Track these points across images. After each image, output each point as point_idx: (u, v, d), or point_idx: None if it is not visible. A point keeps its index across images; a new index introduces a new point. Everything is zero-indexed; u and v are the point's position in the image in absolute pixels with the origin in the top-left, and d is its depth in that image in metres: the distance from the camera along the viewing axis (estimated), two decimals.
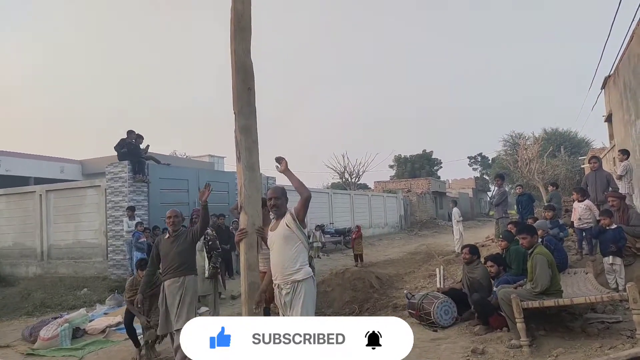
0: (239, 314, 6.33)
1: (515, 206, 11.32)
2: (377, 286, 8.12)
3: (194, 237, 5.03)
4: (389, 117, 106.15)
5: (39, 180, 18.56)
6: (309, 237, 15.23)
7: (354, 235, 13.41)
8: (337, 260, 14.37)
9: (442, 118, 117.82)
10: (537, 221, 7.54)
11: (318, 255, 15.49)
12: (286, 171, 4.02)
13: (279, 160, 4.06)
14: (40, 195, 11.76)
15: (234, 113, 4.46)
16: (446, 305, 5.70)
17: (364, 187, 42.45)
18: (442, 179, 48.23)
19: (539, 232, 6.32)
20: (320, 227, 18.59)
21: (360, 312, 7.06)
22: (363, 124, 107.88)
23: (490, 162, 56.41)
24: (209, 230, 6.97)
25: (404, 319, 6.12)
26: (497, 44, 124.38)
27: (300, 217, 3.88)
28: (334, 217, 21.06)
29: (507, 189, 14.54)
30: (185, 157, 33.02)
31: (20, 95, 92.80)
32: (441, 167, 53.37)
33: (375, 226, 24.77)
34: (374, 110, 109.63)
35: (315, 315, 6.56)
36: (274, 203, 4.07)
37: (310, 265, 4.10)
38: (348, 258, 14.84)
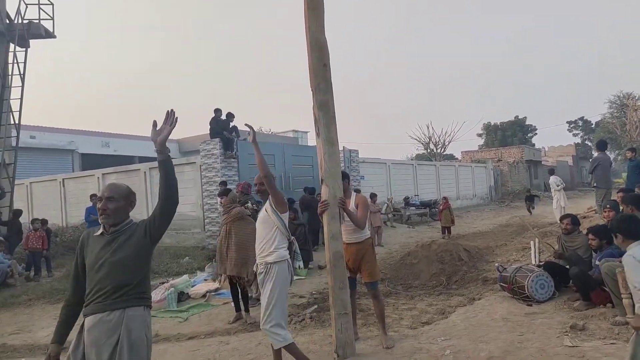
0: (327, 283, 6.54)
1: (626, 173, 10.26)
2: (466, 259, 7.89)
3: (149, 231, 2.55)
4: (476, 82, 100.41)
5: (142, 159, 20.30)
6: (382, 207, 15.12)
7: (441, 207, 13.08)
8: (424, 232, 14.15)
9: (536, 80, 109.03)
10: None
11: (392, 225, 15.36)
12: (254, 142, 4.10)
13: (250, 127, 4.14)
14: (145, 172, 12.88)
15: (311, 90, 4.53)
16: (542, 279, 5.40)
17: (451, 157, 40.98)
18: (537, 146, 45.03)
19: None
20: (405, 200, 18.42)
21: (448, 285, 6.94)
22: (449, 91, 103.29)
23: (593, 126, 51.46)
24: (248, 204, 6.46)
25: (494, 293, 5.93)
26: None
27: (274, 201, 3.97)
28: (418, 189, 20.65)
29: (611, 155, 13.16)
30: (270, 132, 34.09)
31: (129, 83, 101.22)
32: (536, 134, 49.92)
33: (463, 198, 23.91)
34: (460, 76, 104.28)
35: (394, 288, 6.61)
36: (258, 189, 4.24)
37: (293, 250, 4.16)
38: (434, 230, 14.55)
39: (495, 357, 3.91)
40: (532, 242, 8.22)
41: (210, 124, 11.66)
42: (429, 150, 37.83)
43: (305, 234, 8.86)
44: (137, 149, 23.83)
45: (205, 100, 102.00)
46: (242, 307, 5.96)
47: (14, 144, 11.96)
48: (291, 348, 3.90)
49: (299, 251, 4.40)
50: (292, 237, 4.22)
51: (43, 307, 7.44)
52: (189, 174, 12.18)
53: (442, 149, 37.37)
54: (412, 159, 36.27)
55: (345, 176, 4.68)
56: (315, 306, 6.14)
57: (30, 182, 15.90)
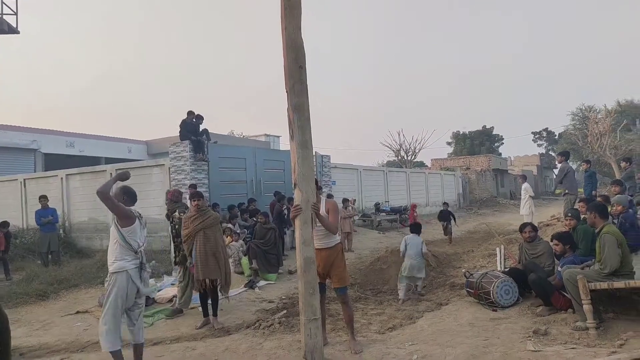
0: (296, 288, 6.50)
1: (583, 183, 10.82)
2: (434, 264, 8.02)
3: None
4: (445, 92, 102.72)
5: (108, 160, 19.78)
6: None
7: (411, 213, 13.26)
8: (393, 238, 14.28)
9: (503, 90, 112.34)
10: (617, 196, 7.05)
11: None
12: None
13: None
14: (111, 173, 12.52)
15: (286, 91, 4.49)
16: (507, 285, 5.53)
17: (421, 164, 41.65)
18: (503, 156, 46.27)
19: (619, 208, 5.98)
20: (376, 206, 18.59)
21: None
22: (418, 101, 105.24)
23: (556, 137, 53.30)
24: (176, 214, 6.64)
25: (461, 298, 6.04)
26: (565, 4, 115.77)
27: (115, 216, 4.33)
28: (389, 195, 20.87)
29: (573, 165, 13.78)
30: (242, 136, 33.84)
31: (97, 83, 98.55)
32: (503, 143, 51.24)
33: (432, 204, 24.31)
34: (430, 87, 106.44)
35: (363, 293, 6.70)
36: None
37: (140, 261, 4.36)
38: (404, 235, 14.71)
39: None
40: (497, 249, 8.44)
41: (180, 126, 11.48)
42: (399, 157, 38.31)
43: (275, 238, 8.81)
44: (103, 149, 23.19)
45: (175, 102, 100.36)
46: (210, 312, 5.87)
47: None
48: (116, 354, 4.24)
49: (145, 262, 4.50)
50: (140, 249, 4.40)
51: None
52: (157, 176, 11.94)
53: (413, 157, 37.91)
54: (383, 166, 36.66)
55: (315, 181, 4.68)
56: (285, 311, 6.11)
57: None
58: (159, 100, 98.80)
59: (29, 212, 13.73)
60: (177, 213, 6.65)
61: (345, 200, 12.83)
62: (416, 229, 7.25)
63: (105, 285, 4.38)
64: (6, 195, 14.91)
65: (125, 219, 4.30)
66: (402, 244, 6.94)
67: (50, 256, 10.59)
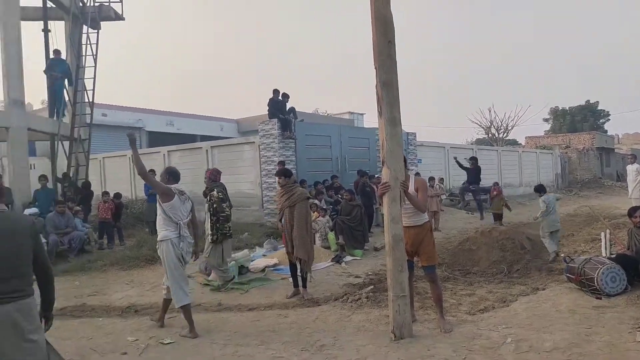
0: (383, 265, 6.55)
1: None
2: (529, 247, 7.60)
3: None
4: (543, 64, 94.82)
5: (203, 138, 21.03)
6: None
7: (494, 193, 12.66)
8: (483, 219, 13.71)
9: (609, 62, 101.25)
10: None
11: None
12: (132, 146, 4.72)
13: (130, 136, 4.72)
14: (207, 150, 13.36)
15: (375, 68, 4.44)
16: (613, 272, 5.11)
17: (514, 142, 39.21)
18: (609, 133, 42.04)
19: None
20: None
21: (509, 273, 6.73)
22: (513, 74, 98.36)
23: None
24: (214, 192, 6.63)
25: (559, 284, 5.70)
26: None
27: (157, 192, 4.99)
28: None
29: None
30: (326, 114, 34.11)
31: (192, 65, 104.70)
32: (609, 119, 46.40)
33: (526, 185, 22.89)
34: (527, 58, 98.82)
35: (451, 273, 6.59)
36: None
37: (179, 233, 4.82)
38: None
39: (560, 348, 3.78)
40: (602, 234, 7.79)
41: (268, 104, 11.86)
42: (490, 134, 36.37)
43: (361, 215, 8.88)
44: (198, 127, 24.69)
45: (263, 81, 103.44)
46: (300, 284, 6.12)
47: (88, 121, 12.77)
48: (184, 311, 4.79)
49: (185, 234, 4.90)
50: (181, 222, 4.86)
51: (116, 273, 8.00)
52: (248, 153, 12.50)
53: (505, 134, 35.81)
54: (472, 144, 35.07)
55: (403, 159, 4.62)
56: (372, 287, 6.18)
57: (103, 157, 16.95)
58: (248, 80, 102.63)
59: (137, 184, 15.10)
60: (215, 192, 6.69)
61: (431, 179, 12.51)
62: (541, 188, 8.03)
63: (158, 252, 4.96)
64: (117, 170, 16.51)
65: (164, 195, 4.82)
66: (541, 204, 7.58)
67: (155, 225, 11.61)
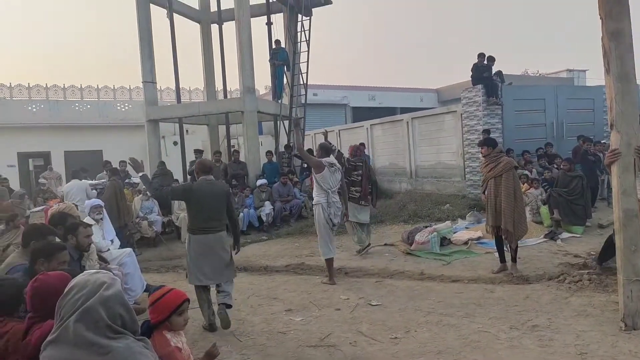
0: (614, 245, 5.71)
1: None
2: None
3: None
4: None
5: (403, 110, 21.24)
6: None
7: None
8: None
9: None
10: None
11: None
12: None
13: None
14: (407, 122, 13.48)
15: (600, 17, 3.84)
16: None
17: None
18: None
19: None
20: None
21: None
22: None
23: None
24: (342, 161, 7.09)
25: None
26: None
27: (311, 165, 6.13)
28: None
29: None
30: (538, 74, 30.53)
31: (389, 37, 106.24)
32: None
33: None
34: None
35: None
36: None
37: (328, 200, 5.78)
38: None
39: None
40: None
41: (472, 70, 11.24)
42: None
43: (582, 187, 7.82)
44: (398, 100, 25.04)
45: (463, 48, 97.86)
46: (508, 258, 5.81)
47: (303, 101, 14.25)
48: (327, 262, 5.86)
49: (334, 200, 5.79)
50: (330, 190, 5.74)
51: None
52: (449, 122, 12.16)
53: None
54: None
55: None
56: (596, 268, 5.47)
57: (314, 133, 18.73)
58: (445, 47, 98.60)
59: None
60: (350, 164, 7.30)
61: None
62: None
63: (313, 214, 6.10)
64: None
65: (317, 167, 5.77)
66: None
67: None
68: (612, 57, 3.81)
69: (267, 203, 10.13)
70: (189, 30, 58.47)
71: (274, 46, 13.42)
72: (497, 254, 6.02)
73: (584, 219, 7.83)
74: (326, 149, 6.02)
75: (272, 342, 4.09)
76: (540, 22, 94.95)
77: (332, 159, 5.89)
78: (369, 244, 7.44)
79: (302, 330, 4.31)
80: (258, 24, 14.76)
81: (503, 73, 11.66)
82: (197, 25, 15.40)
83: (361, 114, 22.50)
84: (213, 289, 4.59)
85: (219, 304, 4.40)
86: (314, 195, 5.92)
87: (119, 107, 19.14)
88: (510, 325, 4.09)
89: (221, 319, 4.31)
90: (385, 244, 7.96)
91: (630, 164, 3.75)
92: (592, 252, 6.41)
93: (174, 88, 14.78)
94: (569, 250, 6.67)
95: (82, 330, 1.64)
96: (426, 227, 7.77)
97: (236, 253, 4.72)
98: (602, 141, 10.63)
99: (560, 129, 11.66)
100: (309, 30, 13.77)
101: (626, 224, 3.77)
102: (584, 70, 27.63)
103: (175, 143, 16.48)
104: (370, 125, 15.30)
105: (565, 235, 7.50)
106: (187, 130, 16.04)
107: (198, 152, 11.16)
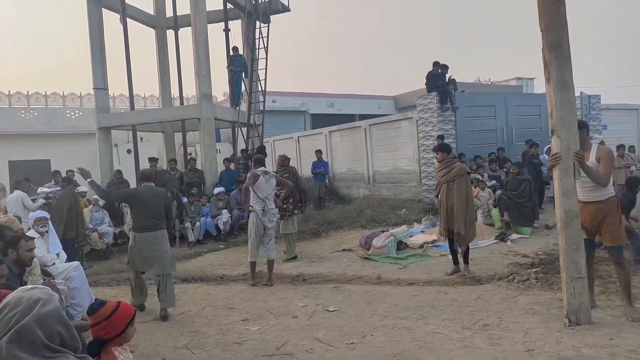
0: (556, 244, 5.98)
1: None
2: None
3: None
4: None
5: (362, 117, 21.52)
6: None
7: None
8: None
9: None
10: None
11: None
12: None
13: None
14: (365, 129, 13.66)
15: (541, 29, 4.04)
16: None
17: None
18: None
19: None
20: None
21: None
22: None
23: None
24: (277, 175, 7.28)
25: None
26: None
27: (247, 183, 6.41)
28: None
29: None
30: (489, 82, 31.72)
31: (349, 45, 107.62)
32: None
33: None
34: None
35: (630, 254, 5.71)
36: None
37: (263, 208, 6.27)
38: None
39: None
40: None
41: (426, 77, 11.54)
42: None
43: (530, 191, 8.16)
44: (357, 107, 25.35)
45: (419, 56, 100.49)
46: (461, 260, 5.96)
47: (261, 108, 14.16)
48: (251, 264, 6.31)
49: (270, 207, 6.28)
50: (265, 197, 6.20)
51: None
52: (405, 129, 12.40)
53: None
54: None
55: (582, 125, 4.12)
56: (542, 267, 5.70)
57: (274, 140, 18.65)
58: (404, 55, 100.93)
59: (303, 163, 16.31)
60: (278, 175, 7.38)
61: (619, 147, 10.80)
62: None
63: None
64: (285, 150, 17.92)
65: (251, 178, 6.17)
66: None
67: (319, 201, 12.47)
68: (552, 68, 4.00)
69: (224, 211, 9.97)
70: (143, 36, 57.11)
71: (231, 53, 13.29)
72: (450, 257, 6.17)
73: (532, 220, 8.16)
74: (259, 160, 6.66)
75: (227, 353, 4.01)
76: (492, 32, 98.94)
77: (265, 168, 6.47)
78: (296, 256, 7.65)
79: (259, 339, 4.25)
80: (215, 31, 14.65)
81: (456, 81, 12.02)
82: (152, 31, 15.05)
83: (320, 120, 22.61)
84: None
85: (162, 309, 5.05)
86: (251, 203, 6.31)
87: (68, 115, 18.40)
88: (462, 325, 4.19)
89: (162, 315, 5.00)
90: (344, 250, 8.00)
91: (570, 167, 3.94)
92: (539, 252, 6.68)
93: (127, 95, 14.35)
94: (518, 251, 6.93)
95: (16, 351, 1.53)
96: (383, 231, 7.88)
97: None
98: (548, 146, 11.14)
99: (510, 134, 12.15)
100: (267, 37, 13.75)
101: (567, 224, 3.94)
102: (532, 79, 28.93)
103: (129, 151, 15.98)
104: (329, 132, 15.40)
105: (514, 236, 7.79)
106: (141, 138, 15.61)
107: (153, 161, 10.87)
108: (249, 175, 6.33)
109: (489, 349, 3.65)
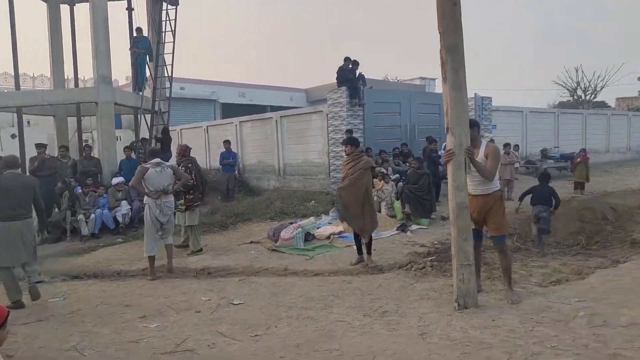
0: (450, 234, 6.43)
1: None
2: (612, 218, 7.06)
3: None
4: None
5: (273, 108, 21.44)
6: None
7: (578, 160, 11.80)
8: (561, 187, 12.88)
9: None
10: None
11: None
12: None
13: None
14: (276, 120, 13.62)
15: (439, 32, 4.28)
16: None
17: (602, 105, 35.94)
18: None
19: None
20: (542, 152, 16.89)
21: (587, 245, 6.33)
22: (608, 30, 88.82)
23: None
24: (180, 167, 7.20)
25: None
26: None
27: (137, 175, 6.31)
28: (560, 140, 18.66)
29: None
30: (396, 80, 33.27)
31: (261, 38, 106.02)
32: None
33: (613, 151, 21.08)
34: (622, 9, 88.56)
35: (523, 244, 6.35)
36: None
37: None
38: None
39: (638, 324, 3.54)
40: None
41: (337, 72, 11.75)
42: (575, 97, 33.51)
43: (429, 184, 8.70)
44: (269, 98, 25.20)
45: (331, 50, 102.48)
46: (364, 251, 6.19)
47: (167, 94, 13.46)
48: (149, 259, 6.05)
49: (165, 200, 6.13)
50: (158, 189, 6.07)
51: None
52: (316, 122, 12.57)
53: (592, 96, 32.81)
54: (554, 107, 32.60)
55: (474, 124, 4.45)
56: (436, 255, 6.11)
57: (181, 129, 17.88)
58: (316, 49, 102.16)
59: (212, 154, 15.86)
60: (181, 167, 7.21)
61: (506, 145, 11.90)
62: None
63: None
64: (193, 140, 17.32)
65: (138, 174, 6.06)
66: None
67: (227, 193, 12.21)
68: (448, 68, 4.25)
69: (124, 203, 9.37)
70: (34, 10, 51.50)
71: (135, 34, 12.46)
72: (356, 247, 6.37)
73: (430, 212, 8.72)
74: (153, 152, 6.59)
75: (121, 352, 3.77)
76: (401, 32, 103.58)
77: (159, 160, 6.30)
78: (201, 249, 7.47)
79: (157, 337, 4.05)
80: (118, 9, 13.60)
81: (365, 77, 12.39)
82: (44, 4, 13.60)
83: (231, 110, 22.15)
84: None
85: (30, 284, 5.04)
86: (145, 197, 6.21)
87: None
88: (364, 313, 4.34)
89: (32, 292, 4.98)
90: (252, 242, 7.92)
91: (462, 162, 4.24)
92: (435, 242, 7.15)
93: (12, 73, 12.86)
94: (416, 241, 7.36)
95: None
96: (291, 223, 7.92)
97: (39, 238, 5.69)
98: (444, 143, 11.96)
99: (413, 130, 12.83)
100: (175, 20, 13.06)
101: (458, 215, 4.25)
102: (434, 79, 30.93)
103: (13, 136, 14.37)
104: (240, 122, 15.12)
105: (414, 227, 8.26)
106: (28, 122, 14.11)
107: (41, 147, 9.84)
108: (137, 170, 6.20)
109: (387, 334, 3.82)
